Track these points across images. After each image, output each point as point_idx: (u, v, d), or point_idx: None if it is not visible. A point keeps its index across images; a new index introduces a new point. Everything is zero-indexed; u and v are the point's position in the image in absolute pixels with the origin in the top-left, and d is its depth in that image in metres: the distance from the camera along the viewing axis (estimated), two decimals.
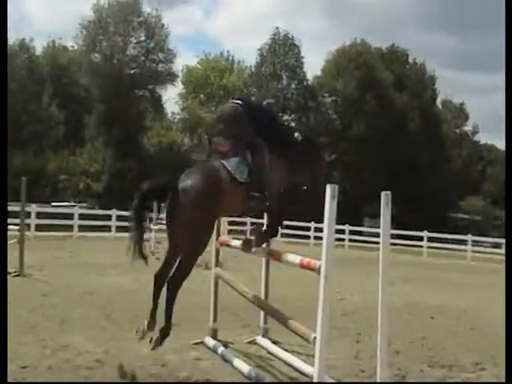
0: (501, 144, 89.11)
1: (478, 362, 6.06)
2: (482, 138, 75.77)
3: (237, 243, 5.72)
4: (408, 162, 45.92)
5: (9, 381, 4.19)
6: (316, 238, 25.67)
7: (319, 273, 4.55)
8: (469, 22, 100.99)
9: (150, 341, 4.52)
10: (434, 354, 6.34)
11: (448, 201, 52.65)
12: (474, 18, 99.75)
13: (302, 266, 4.87)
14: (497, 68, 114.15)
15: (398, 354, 6.18)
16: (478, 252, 27.08)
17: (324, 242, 4.62)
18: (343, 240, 27.06)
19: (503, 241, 33.94)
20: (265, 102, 5.36)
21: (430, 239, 26.97)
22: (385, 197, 4.80)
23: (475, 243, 28.62)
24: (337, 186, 4.64)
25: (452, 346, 6.68)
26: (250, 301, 5.46)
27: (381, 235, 4.80)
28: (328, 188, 4.61)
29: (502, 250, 28.38)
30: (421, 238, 26.74)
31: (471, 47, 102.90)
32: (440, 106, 61.46)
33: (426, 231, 26.85)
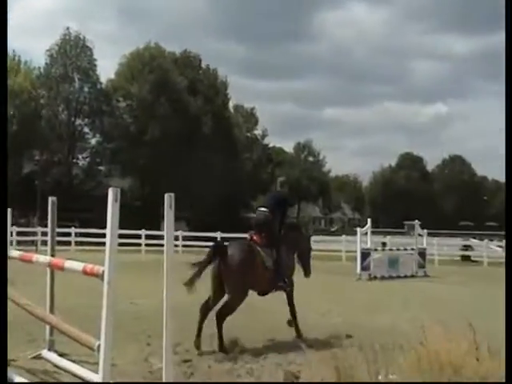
0: (288, 147, 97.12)
1: (262, 351, 6.50)
2: (271, 141, 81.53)
3: (20, 254, 5.38)
4: (202, 165, 47.22)
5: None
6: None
7: (103, 279, 4.48)
8: (259, 31, 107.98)
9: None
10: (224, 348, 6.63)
11: (241, 201, 55.55)
12: (264, 28, 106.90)
13: (86, 272, 4.74)
14: (282, 76, 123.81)
15: (188, 352, 6.35)
16: None
17: (107, 246, 4.56)
18: (140, 245, 26.80)
19: None
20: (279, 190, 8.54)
21: (224, 239, 27.98)
22: (168, 199, 4.89)
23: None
24: (119, 190, 4.59)
25: (240, 339, 7.02)
26: (31, 314, 5.18)
27: (165, 237, 4.90)
28: (110, 191, 4.55)
29: None
30: (215, 239, 27.62)
31: (261, 56, 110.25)
32: (232, 110, 64.52)
33: (219, 232, 27.80)
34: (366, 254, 17.25)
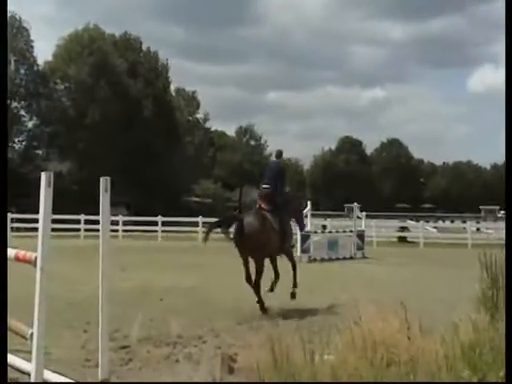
0: (230, 131, 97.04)
1: (200, 336, 6.50)
2: (213, 125, 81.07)
3: None
4: (143, 149, 46.48)
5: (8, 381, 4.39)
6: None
7: (35, 265, 4.35)
8: (201, 14, 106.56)
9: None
10: (161, 333, 6.59)
11: (182, 185, 55.13)
12: (205, 11, 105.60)
13: (18, 259, 4.61)
14: (224, 60, 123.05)
15: (126, 338, 6.27)
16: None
17: (40, 232, 4.43)
18: (79, 230, 26.17)
19: None
20: (274, 158, 9.66)
21: (165, 223, 27.81)
22: (104, 182, 4.78)
23: (206, 224, 30.55)
24: (52, 173, 4.46)
25: (178, 324, 7.02)
26: None
27: (100, 222, 4.79)
28: (43, 175, 4.41)
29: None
30: (155, 223, 27.41)
31: (202, 39, 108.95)
32: (173, 93, 63.62)
33: (160, 216, 27.57)
34: (305, 237, 17.48)
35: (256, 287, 8.43)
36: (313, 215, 20.20)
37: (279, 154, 9.73)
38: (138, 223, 28.86)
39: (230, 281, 11.68)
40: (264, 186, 9.19)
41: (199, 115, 72.22)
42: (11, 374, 4.90)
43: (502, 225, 27.09)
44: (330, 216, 35.65)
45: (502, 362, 4.21)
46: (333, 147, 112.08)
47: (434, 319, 5.68)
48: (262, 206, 8.93)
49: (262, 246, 8.44)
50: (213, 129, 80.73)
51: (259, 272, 8.53)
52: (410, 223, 38.02)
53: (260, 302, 8.36)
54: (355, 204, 20.36)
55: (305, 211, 18.63)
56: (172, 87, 60.57)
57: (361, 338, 4.41)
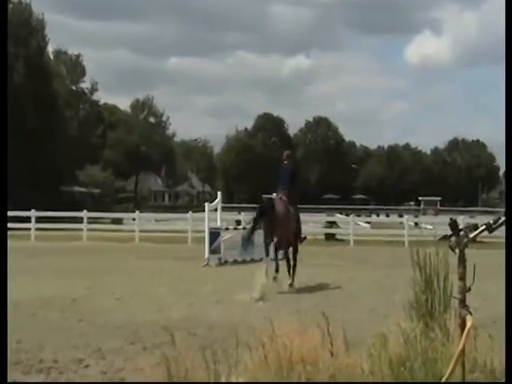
0: (124, 104, 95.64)
1: (82, 359, 6.40)
2: (102, 97, 79.15)
3: None
4: (13, 125, 44.70)
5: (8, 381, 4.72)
6: None
7: None
8: None
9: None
10: (33, 356, 6.44)
11: (63, 172, 53.62)
12: None
13: None
14: (116, 17, 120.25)
15: None
16: (99, 230, 28.36)
17: None
18: None
19: (126, 215, 36.64)
20: (285, 161, 14.17)
21: (40, 219, 26.90)
22: None
23: (93, 220, 30.00)
24: None
25: (54, 344, 6.88)
26: None
27: None
28: None
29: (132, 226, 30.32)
30: (29, 219, 26.48)
31: None
32: (52, 56, 61.64)
33: (33, 210, 26.68)
34: (215, 235, 17.58)
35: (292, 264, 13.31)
36: (225, 208, 20.33)
37: (289, 156, 14.14)
38: (11, 219, 27.75)
39: (123, 288, 11.59)
40: (280, 190, 13.73)
41: (85, 84, 70.58)
42: None
43: (444, 219, 28.29)
44: (245, 209, 35.95)
45: (434, 377, 4.46)
46: (249, 126, 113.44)
47: (361, 330, 5.91)
48: (284, 198, 13.40)
49: (287, 229, 13.18)
50: (102, 102, 79.11)
51: (297, 249, 13.72)
52: (339, 217, 39.13)
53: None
54: (274, 194, 20.62)
55: (213, 204, 18.74)
56: (50, 48, 58.72)
57: (275, 355, 4.52)
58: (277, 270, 12.58)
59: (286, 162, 14.06)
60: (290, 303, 10.10)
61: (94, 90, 72.19)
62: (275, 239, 12.93)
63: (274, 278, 12.34)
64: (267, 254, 12.88)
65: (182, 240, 25.08)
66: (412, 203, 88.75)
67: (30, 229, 26.19)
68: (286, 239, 13.10)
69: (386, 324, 5.14)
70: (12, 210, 29.29)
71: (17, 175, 45.40)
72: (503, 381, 4.27)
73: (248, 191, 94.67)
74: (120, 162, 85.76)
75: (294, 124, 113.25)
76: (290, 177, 13.92)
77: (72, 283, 12.35)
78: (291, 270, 13.04)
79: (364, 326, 6.26)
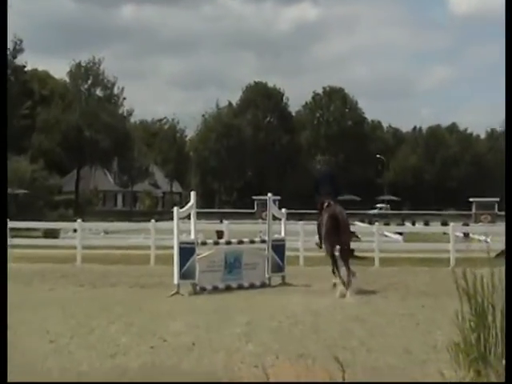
0: (59, 71, 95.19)
1: None
2: (30, 61, 79.14)
3: None
4: None
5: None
6: None
7: None
8: None
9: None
10: None
11: None
12: None
13: None
14: None
15: None
16: (25, 247, 28.47)
17: None
18: None
19: (63, 225, 36.59)
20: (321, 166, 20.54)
21: None
22: None
23: (17, 233, 30.07)
24: None
25: None
26: None
27: None
28: None
29: None
30: None
31: None
32: None
33: None
34: (187, 252, 17.57)
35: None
36: (201, 215, 20.39)
37: (328, 161, 17.09)
38: None
39: (60, 326, 11.65)
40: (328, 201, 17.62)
41: None
42: None
43: (503, 228, 28.04)
44: (229, 215, 36.10)
45: None
46: (234, 101, 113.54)
47: (393, 378, 5.95)
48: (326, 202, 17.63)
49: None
50: (29, 67, 79.18)
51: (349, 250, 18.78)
52: (359, 226, 39.18)
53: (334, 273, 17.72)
54: (269, 196, 20.70)
55: (185, 208, 18.76)
56: None
57: None
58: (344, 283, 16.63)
59: (320, 167, 19.42)
60: (293, 344, 10.15)
61: (17, 51, 72.31)
62: (339, 247, 17.17)
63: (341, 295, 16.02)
64: (336, 266, 17.58)
65: (142, 259, 25.09)
66: (453, 207, 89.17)
67: None
68: (347, 248, 17.81)
69: (424, 372, 5.19)
70: None
71: None
72: (503, 381, 4.58)
73: (233, 190, 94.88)
74: (55, 151, 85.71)
75: (297, 97, 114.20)
76: (335, 184, 18.63)
77: None
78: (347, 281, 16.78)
79: (395, 375, 6.29)
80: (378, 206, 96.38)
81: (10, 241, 26.66)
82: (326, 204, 17.43)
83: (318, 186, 18.59)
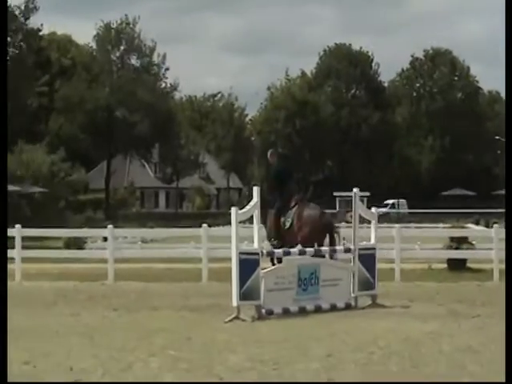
0: (83, 35, 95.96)
1: None
2: (46, 24, 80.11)
3: None
4: None
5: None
6: None
7: None
8: None
9: None
10: None
11: None
12: None
13: None
14: None
15: None
16: (42, 260, 28.95)
17: None
18: None
19: (91, 232, 36.98)
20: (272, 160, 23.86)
21: None
22: None
23: (33, 243, 30.50)
24: None
25: None
26: None
27: None
28: None
29: None
30: None
31: None
32: None
33: None
34: (249, 265, 17.61)
35: None
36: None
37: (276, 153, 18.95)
38: None
39: (99, 359, 11.85)
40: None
41: (15, 1, 71.34)
42: None
43: None
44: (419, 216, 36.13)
45: None
46: (308, 69, 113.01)
47: None
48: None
49: None
50: (46, 31, 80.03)
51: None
52: (472, 230, 38.78)
53: None
54: (355, 191, 20.64)
55: (247, 209, 18.78)
56: None
57: None
58: None
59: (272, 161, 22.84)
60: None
61: (30, 10, 72.95)
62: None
63: None
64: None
65: (192, 275, 25.26)
66: None
67: None
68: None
69: None
70: None
71: None
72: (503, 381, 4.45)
73: (307, 185, 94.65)
74: (79, 137, 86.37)
75: (390, 63, 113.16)
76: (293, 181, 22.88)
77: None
78: None
79: None
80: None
81: (24, 253, 27.09)
82: (295, 202, 22.00)
83: (277, 183, 22.75)
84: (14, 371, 11.21)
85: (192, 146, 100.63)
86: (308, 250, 20.08)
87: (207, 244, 26.26)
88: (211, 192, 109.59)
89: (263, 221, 21.56)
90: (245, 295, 17.63)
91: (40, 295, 22.01)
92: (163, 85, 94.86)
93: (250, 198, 19.19)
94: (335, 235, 21.67)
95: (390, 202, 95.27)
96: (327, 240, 21.36)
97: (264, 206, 20.53)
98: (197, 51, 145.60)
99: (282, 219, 22.14)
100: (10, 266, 27.15)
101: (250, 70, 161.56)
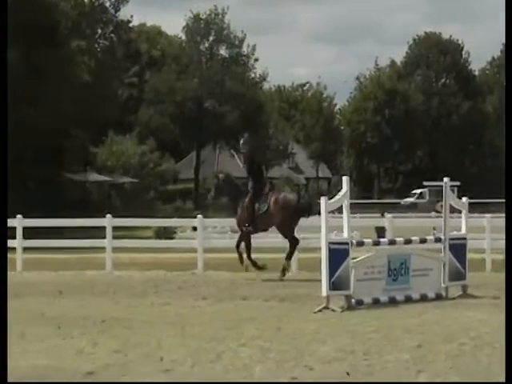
0: (172, 26, 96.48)
1: None
2: (136, 16, 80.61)
3: None
4: None
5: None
6: None
7: None
8: None
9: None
10: None
11: (66, 147, 55.11)
12: None
13: None
14: None
15: None
16: (133, 250, 29.25)
17: None
18: None
19: (180, 222, 37.20)
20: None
21: (32, 232, 28.04)
22: None
23: (123, 233, 30.78)
24: None
25: None
26: None
27: None
28: None
29: None
30: (12, 233, 27.61)
31: None
32: None
33: (20, 217, 27.88)
34: (339, 255, 17.54)
35: None
36: (356, 207, 20.34)
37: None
38: None
39: (174, 349, 11.88)
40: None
41: None
42: None
43: None
44: (392, 207, 36.02)
45: None
46: (398, 58, 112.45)
47: None
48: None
49: None
50: (135, 22, 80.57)
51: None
52: None
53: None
54: (446, 181, 20.43)
55: (336, 199, 18.70)
56: None
57: None
58: None
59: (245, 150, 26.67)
60: (478, 373, 10.01)
61: (120, 2, 73.49)
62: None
63: None
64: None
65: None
66: None
67: (14, 248, 27.06)
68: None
69: None
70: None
71: None
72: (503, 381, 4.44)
73: (397, 175, 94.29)
74: (168, 128, 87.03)
75: (480, 51, 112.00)
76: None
77: (89, 343, 12.68)
78: None
79: None
80: None
81: (114, 243, 27.36)
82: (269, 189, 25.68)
83: (252, 171, 25.73)
84: (103, 359, 11.32)
85: (281, 135, 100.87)
86: (398, 239, 19.99)
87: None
88: (300, 182, 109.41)
89: (233, 208, 25.26)
90: (334, 285, 17.59)
91: (130, 285, 22.24)
92: (252, 75, 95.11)
93: (339, 187, 19.12)
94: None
95: (418, 191, 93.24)
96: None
97: (235, 194, 24.96)
98: (286, 41, 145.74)
99: (257, 205, 24.13)
100: (100, 256, 27.57)
101: (338, 60, 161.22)
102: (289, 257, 24.22)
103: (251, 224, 24.21)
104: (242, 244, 24.76)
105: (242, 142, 26.25)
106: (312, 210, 23.67)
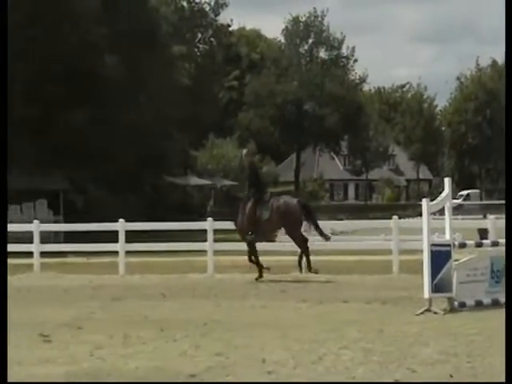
0: (272, 29, 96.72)
1: None
2: (235, 20, 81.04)
3: None
4: (66, 70, 47.07)
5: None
6: None
7: None
8: None
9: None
10: None
11: (166, 151, 55.57)
12: None
13: None
14: None
15: None
16: (234, 252, 29.36)
17: None
18: None
19: None
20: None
21: (134, 235, 28.35)
22: None
23: (226, 235, 30.93)
24: None
25: None
26: None
27: None
28: None
29: None
30: (113, 235, 27.91)
31: None
32: None
33: (122, 221, 28.07)
34: (441, 256, 17.42)
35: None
36: (459, 209, 20.15)
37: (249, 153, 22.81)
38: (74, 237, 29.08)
39: (273, 349, 11.90)
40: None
41: None
42: None
43: None
44: (495, 208, 35.57)
45: None
46: (500, 58, 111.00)
47: None
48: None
49: None
50: (235, 26, 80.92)
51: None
52: None
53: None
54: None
55: (438, 200, 18.55)
56: None
57: None
58: None
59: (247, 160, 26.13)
60: None
61: (220, 6, 73.89)
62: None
63: None
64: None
65: (382, 267, 25.17)
66: None
67: (116, 252, 27.44)
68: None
69: None
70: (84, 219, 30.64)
71: (94, 157, 47.51)
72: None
73: (499, 175, 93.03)
74: (268, 130, 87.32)
75: None
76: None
77: (192, 346, 12.79)
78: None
79: None
80: None
81: (215, 246, 27.53)
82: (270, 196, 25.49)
83: (254, 180, 25.47)
84: (205, 361, 11.40)
85: (381, 137, 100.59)
86: (501, 240, 19.73)
87: (398, 236, 26.12)
88: (401, 183, 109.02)
89: (233, 218, 25.50)
90: (437, 287, 17.46)
91: (231, 287, 22.36)
92: (352, 77, 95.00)
93: (441, 189, 18.97)
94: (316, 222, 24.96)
95: (465, 192, 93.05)
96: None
97: (233, 202, 25.66)
98: (385, 42, 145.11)
99: (258, 212, 24.41)
100: (202, 259, 27.78)
101: (439, 60, 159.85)
102: (307, 257, 24.48)
103: (254, 232, 24.61)
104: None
105: (244, 152, 26.58)
106: (313, 214, 25.20)
